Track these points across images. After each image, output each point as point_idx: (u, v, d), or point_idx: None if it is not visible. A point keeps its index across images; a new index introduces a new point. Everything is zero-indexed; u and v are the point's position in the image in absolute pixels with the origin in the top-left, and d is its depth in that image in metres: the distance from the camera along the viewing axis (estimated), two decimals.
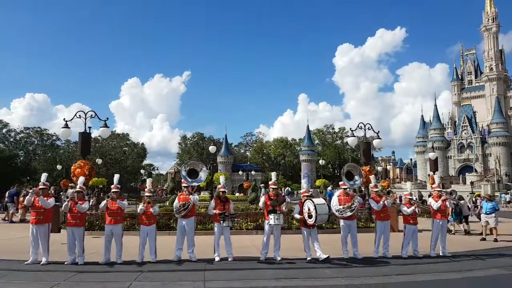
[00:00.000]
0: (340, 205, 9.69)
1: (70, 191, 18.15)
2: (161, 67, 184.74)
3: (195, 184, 9.72)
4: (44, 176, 9.62)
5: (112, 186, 9.67)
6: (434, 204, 10.17)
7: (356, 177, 10.12)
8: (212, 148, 31.75)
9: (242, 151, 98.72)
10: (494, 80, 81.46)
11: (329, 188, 29.17)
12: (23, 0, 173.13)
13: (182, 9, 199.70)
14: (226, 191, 10.18)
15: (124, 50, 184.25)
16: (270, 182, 10.27)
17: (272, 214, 9.25)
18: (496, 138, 73.94)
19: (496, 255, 10.33)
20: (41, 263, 8.69)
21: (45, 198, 9.03)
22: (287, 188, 46.18)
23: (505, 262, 9.50)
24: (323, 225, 12.09)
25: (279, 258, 9.24)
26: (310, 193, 10.25)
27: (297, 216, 9.65)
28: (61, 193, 20.69)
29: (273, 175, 10.61)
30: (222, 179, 10.50)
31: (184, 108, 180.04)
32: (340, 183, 10.21)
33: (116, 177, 10.07)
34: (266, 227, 9.54)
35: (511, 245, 12.06)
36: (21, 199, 17.68)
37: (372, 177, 11.37)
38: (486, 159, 76.02)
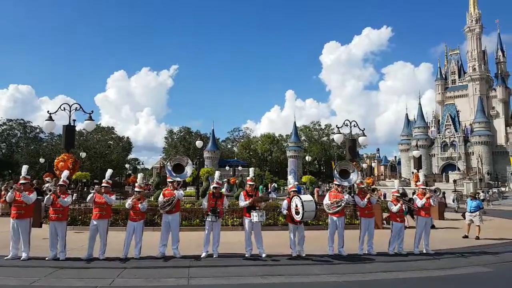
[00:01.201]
0: (329, 200, 9.89)
1: (46, 185, 17.75)
2: (148, 60, 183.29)
3: (178, 179, 9.57)
4: (24, 169, 9.37)
5: (104, 181, 9.45)
6: (418, 201, 10.29)
7: (352, 174, 10.20)
8: (199, 143, 31.39)
9: (229, 147, 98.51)
10: (477, 80, 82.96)
11: (296, 183, 29.48)
12: None
13: (170, 2, 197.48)
14: (220, 186, 9.92)
15: (111, 42, 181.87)
16: (247, 178, 10.18)
17: (255, 211, 9.16)
18: (478, 137, 75.54)
19: (478, 252, 10.51)
20: (21, 259, 8.49)
21: (27, 192, 8.81)
22: (274, 184, 46.20)
23: (487, 259, 9.67)
24: (309, 221, 12.12)
25: (264, 255, 9.20)
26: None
27: (285, 211, 9.64)
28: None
29: (251, 171, 10.50)
30: (217, 174, 10.34)
31: (171, 102, 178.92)
32: (334, 178, 10.29)
33: (109, 172, 9.87)
34: (247, 224, 9.46)
35: (493, 243, 12.28)
36: (3, 192, 17.22)
37: (359, 174, 11.49)
38: (468, 158, 77.60)
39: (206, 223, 9.46)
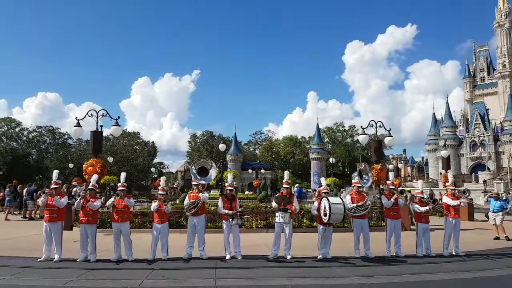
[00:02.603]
0: (353, 203, 9.60)
1: (75, 189, 18.35)
2: (171, 66, 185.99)
3: (203, 182, 9.73)
4: (55, 173, 9.67)
5: (119, 184, 9.71)
6: (450, 202, 10.02)
7: (365, 177, 10.06)
8: (221, 147, 31.72)
9: (251, 150, 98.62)
10: (507, 77, 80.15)
11: (297, 185, 29.40)
12: None
13: (192, 8, 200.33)
14: (234, 189, 10.13)
15: (134, 49, 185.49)
16: (283, 181, 10.31)
17: (278, 212, 9.27)
18: (509, 135, 72.72)
19: (510, 254, 10.15)
20: (54, 260, 8.79)
21: (58, 197, 9.13)
22: (296, 185, 45.93)
23: None
24: (334, 223, 12.05)
25: (289, 257, 9.19)
26: (327, 189, 10.20)
27: (315, 212, 9.67)
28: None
29: (286, 174, 10.66)
30: (230, 177, 10.52)
31: (193, 106, 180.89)
32: (354, 181, 10.16)
33: (123, 175, 10.08)
34: (276, 225, 9.54)
35: None
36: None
37: (391, 174, 11.42)
38: (499, 157, 74.73)
39: (225, 226, 9.54)
